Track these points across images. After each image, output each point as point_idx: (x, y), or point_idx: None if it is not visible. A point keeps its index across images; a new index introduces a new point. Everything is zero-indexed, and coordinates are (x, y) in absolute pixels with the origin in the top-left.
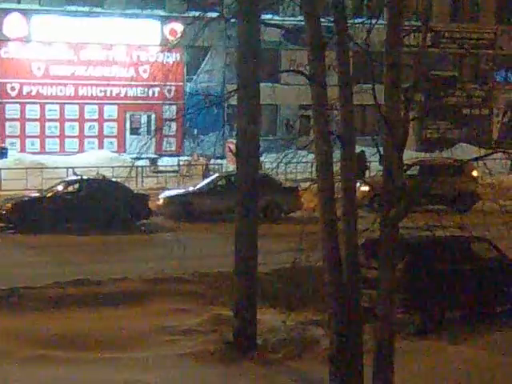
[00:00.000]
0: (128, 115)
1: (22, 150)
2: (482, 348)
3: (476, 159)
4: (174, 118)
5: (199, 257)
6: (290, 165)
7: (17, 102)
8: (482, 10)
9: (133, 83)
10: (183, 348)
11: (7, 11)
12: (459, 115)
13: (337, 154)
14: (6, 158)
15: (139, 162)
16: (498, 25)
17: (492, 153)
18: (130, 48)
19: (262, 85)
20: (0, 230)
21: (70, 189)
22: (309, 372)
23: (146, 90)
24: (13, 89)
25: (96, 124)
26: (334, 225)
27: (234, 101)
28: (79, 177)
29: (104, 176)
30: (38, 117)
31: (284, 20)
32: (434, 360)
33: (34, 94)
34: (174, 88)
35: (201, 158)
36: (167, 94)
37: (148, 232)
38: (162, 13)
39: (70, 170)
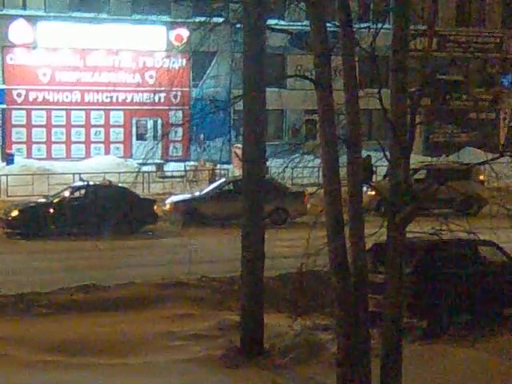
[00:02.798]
0: (134, 121)
1: (29, 156)
2: (490, 352)
3: (483, 163)
4: (180, 123)
5: (206, 262)
6: (297, 169)
7: (23, 109)
8: (488, 14)
9: (139, 89)
10: (190, 353)
11: (13, 18)
12: (466, 119)
13: (343, 159)
14: (13, 164)
15: (145, 168)
16: (505, 28)
17: (499, 157)
18: (135, 54)
19: (267, 90)
20: (7, 235)
21: (77, 194)
22: (316, 377)
23: (152, 95)
24: (19, 95)
25: (102, 130)
26: (341, 229)
27: (240, 106)
28: (85, 182)
29: (110, 181)
30: (44, 123)
31: (290, 25)
32: (442, 364)
33: (40, 100)
34: (180, 93)
35: (207, 164)
36: (173, 100)
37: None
38: (167, 18)
39: (77, 175)
